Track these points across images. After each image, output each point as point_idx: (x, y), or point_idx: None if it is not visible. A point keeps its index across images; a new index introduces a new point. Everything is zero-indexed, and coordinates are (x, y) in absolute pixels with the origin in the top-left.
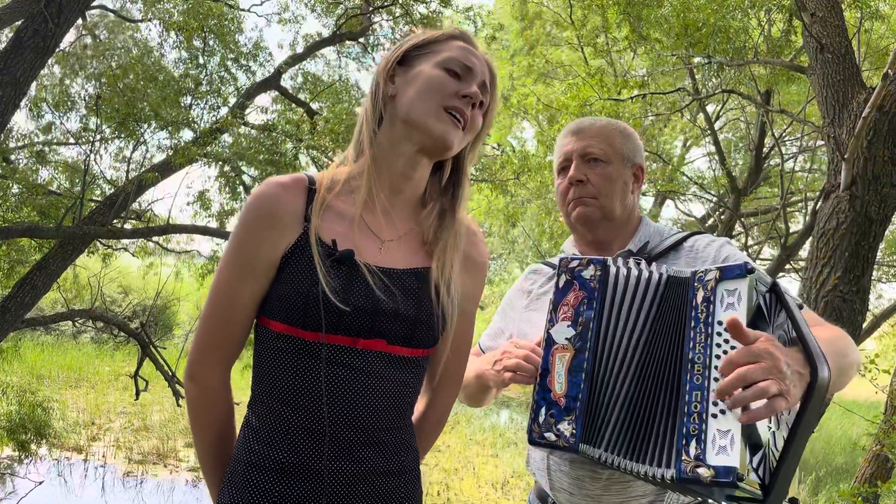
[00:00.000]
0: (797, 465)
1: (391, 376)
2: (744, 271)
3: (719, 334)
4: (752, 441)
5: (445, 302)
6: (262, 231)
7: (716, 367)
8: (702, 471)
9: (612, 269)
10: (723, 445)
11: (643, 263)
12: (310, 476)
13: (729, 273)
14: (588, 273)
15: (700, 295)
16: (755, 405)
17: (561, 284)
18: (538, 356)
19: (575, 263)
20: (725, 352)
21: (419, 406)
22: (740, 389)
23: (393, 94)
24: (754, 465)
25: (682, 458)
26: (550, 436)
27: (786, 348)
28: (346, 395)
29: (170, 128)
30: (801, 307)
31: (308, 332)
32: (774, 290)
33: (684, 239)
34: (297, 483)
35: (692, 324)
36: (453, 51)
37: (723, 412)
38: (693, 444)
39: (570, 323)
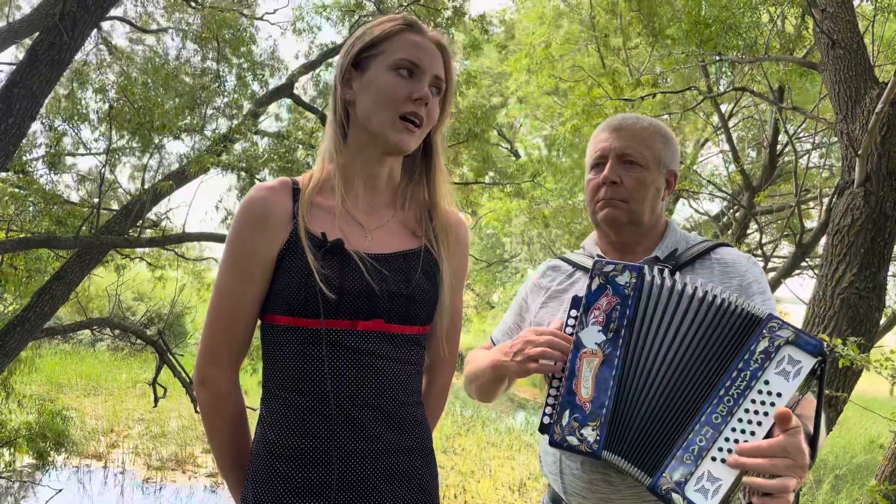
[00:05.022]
0: None
1: (393, 355)
2: (818, 351)
3: (759, 392)
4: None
5: (436, 279)
6: (255, 234)
7: (738, 420)
8: (676, 497)
9: (648, 278)
10: (706, 488)
11: (678, 275)
12: (328, 458)
13: (803, 343)
14: (623, 279)
15: (762, 345)
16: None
17: (594, 288)
18: (562, 340)
19: (610, 268)
20: (756, 412)
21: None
22: (762, 478)
23: (352, 100)
24: None
25: (664, 475)
26: (573, 440)
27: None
28: (352, 376)
29: (183, 136)
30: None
31: (310, 319)
32: (821, 370)
33: (711, 249)
34: (317, 467)
35: (739, 365)
36: (402, 49)
37: (723, 461)
38: (680, 470)
39: (600, 328)
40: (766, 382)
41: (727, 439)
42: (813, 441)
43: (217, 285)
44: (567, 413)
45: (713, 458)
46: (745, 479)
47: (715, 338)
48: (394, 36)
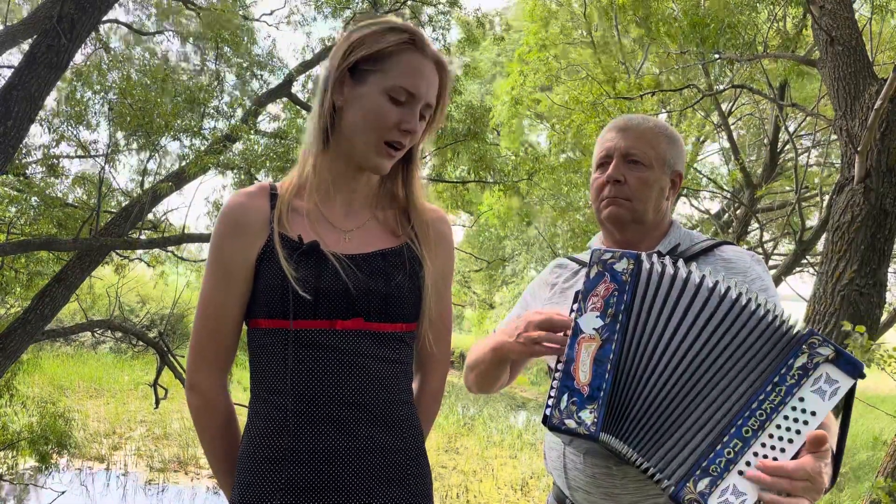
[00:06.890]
0: None
1: (377, 353)
2: (857, 373)
3: (793, 409)
4: None
5: (418, 277)
6: (234, 239)
7: (769, 435)
8: None
9: (646, 265)
10: (730, 501)
11: (681, 262)
12: (313, 458)
13: (843, 363)
14: (620, 266)
15: (801, 361)
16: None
17: (592, 275)
18: (561, 318)
19: (608, 256)
20: (788, 429)
21: (413, 386)
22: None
23: (341, 106)
24: None
25: (688, 485)
26: (571, 423)
27: (824, 464)
28: (335, 375)
29: (182, 136)
30: None
31: (288, 321)
32: (849, 394)
33: (715, 246)
34: (301, 467)
35: (775, 379)
36: (402, 75)
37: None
38: (706, 481)
39: (598, 314)
40: (801, 399)
41: (756, 454)
42: (837, 458)
43: (202, 293)
44: (565, 397)
45: (740, 472)
46: (758, 494)
47: (734, 333)
48: (396, 55)
